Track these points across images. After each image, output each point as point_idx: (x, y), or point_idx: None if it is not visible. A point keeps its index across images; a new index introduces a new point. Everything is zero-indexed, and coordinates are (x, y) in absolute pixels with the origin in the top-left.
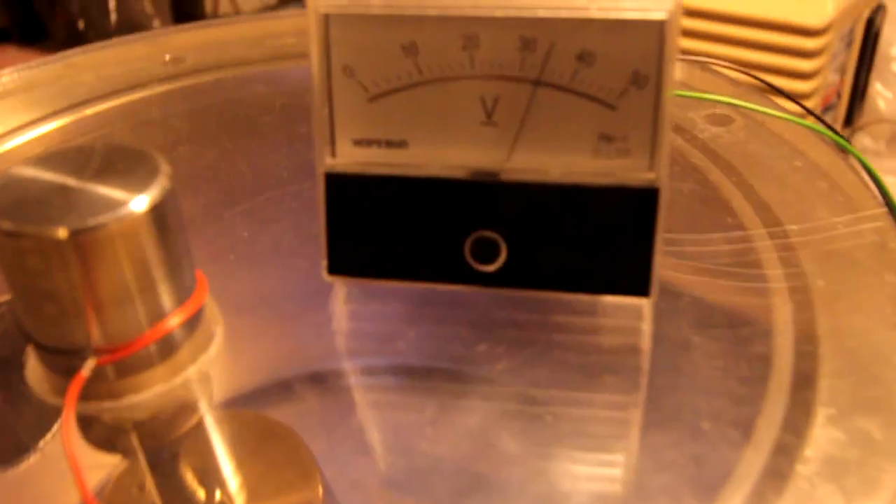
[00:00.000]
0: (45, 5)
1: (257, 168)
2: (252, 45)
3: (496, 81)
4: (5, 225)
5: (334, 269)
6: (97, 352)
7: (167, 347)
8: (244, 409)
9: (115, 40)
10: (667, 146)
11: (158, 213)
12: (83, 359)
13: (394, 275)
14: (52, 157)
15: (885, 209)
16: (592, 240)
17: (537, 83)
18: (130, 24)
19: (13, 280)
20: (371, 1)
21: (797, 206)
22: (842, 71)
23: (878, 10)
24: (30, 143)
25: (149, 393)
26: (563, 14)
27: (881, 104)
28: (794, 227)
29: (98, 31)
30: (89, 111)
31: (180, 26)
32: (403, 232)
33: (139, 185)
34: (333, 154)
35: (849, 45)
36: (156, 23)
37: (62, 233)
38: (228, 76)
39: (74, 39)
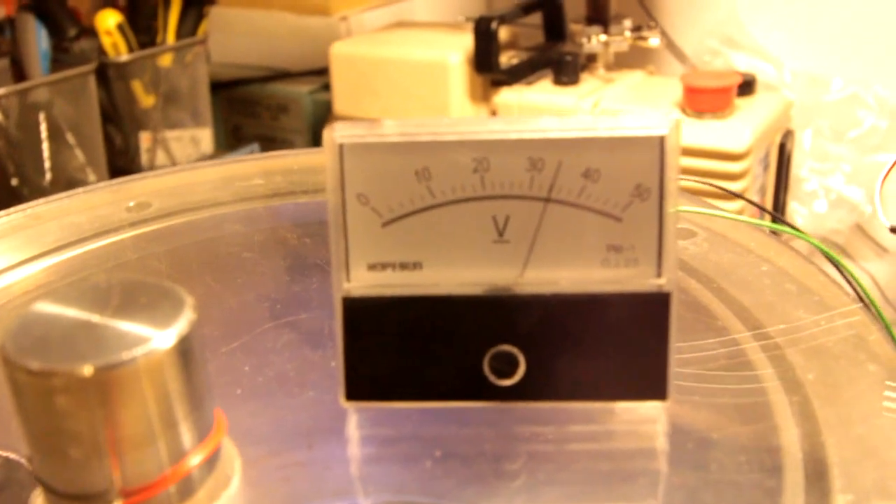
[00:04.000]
0: None
1: (247, 303)
2: (219, 187)
3: (507, 201)
4: (32, 364)
5: (352, 394)
6: (122, 494)
7: (187, 488)
8: None
9: (78, 190)
10: (673, 253)
11: (185, 346)
12: (108, 502)
13: (413, 397)
14: (71, 293)
15: (857, 305)
16: (608, 348)
17: (547, 200)
18: (65, 181)
19: (34, 423)
20: (386, 130)
21: (774, 309)
22: (762, 192)
23: (788, 135)
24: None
25: None
26: (569, 134)
27: (798, 220)
28: (775, 328)
29: (32, 188)
30: (59, 258)
31: (144, 174)
32: (421, 352)
33: (165, 319)
34: (348, 279)
35: (766, 167)
36: (91, 178)
37: (91, 370)
38: (200, 218)
39: (8, 196)
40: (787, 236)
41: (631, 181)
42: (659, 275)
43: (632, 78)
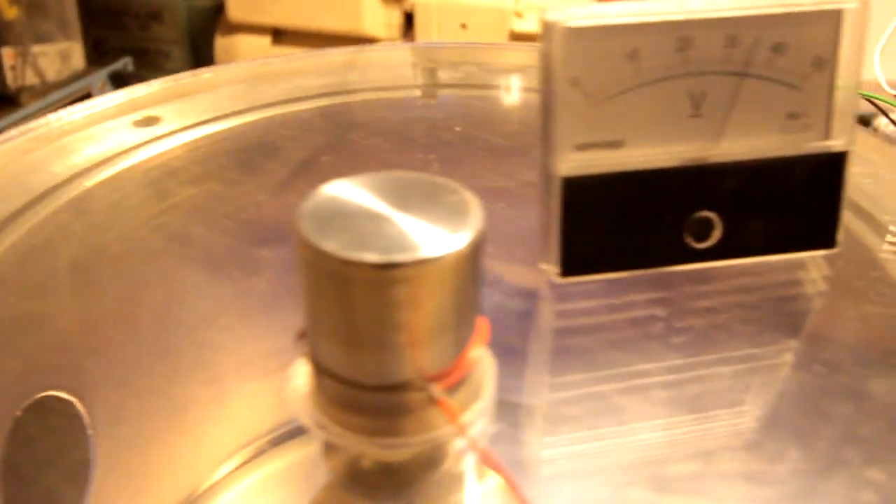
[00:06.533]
0: None
1: None
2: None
3: (704, 77)
4: (370, 257)
5: (568, 271)
6: (428, 380)
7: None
8: None
9: (77, 107)
10: (847, 117)
11: (480, 242)
12: (416, 390)
13: (622, 267)
14: (349, 186)
15: None
16: (789, 205)
17: (741, 75)
18: None
19: (349, 318)
20: (603, 12)
21: None
22: None
23: None
24: None
25: (442, 430)
26: (766, 11)
27: None
28: None
29: None
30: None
31: (138, 87)
32: (628, 224)
33: (458, 215)
34: (558, 160)
35: None
36: None
37: (425, 261)
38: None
39: None
40: None
41: (811, 53)
42: (829, 136)
43: None
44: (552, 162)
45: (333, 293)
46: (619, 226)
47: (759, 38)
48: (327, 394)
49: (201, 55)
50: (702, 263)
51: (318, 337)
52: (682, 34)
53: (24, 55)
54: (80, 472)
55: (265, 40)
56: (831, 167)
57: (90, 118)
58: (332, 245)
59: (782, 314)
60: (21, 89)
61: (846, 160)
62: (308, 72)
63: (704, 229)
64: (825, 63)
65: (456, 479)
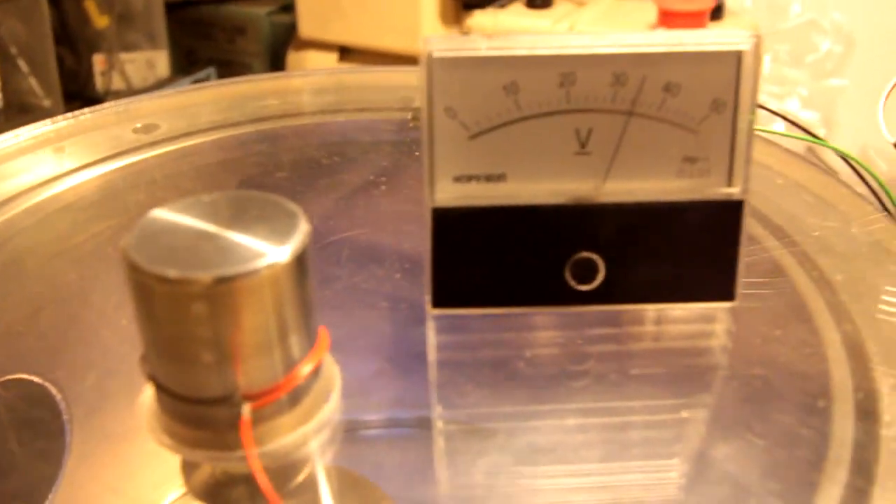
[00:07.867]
0: None
1: None
2: (230, 107)
3: (590, 114)
4: (169, 272)
5: (439, 302)
6: (244, 398)
7: (296, 397)
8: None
9: (83, 111)
10: (746, 163)
11: (303, 257)
12: (233, 406)
13: (498, 303)
14: (181, 205)
15: (880, 214)
16: (682, 253)
17: (629, 114)
18: (19, 106)
19: (162, 331)
20: (477, 44)
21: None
22: None
23: None
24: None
25: (278, 442)
26: (654, 49)
27: None
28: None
29: None
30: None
31: (145, 95)
32: (505, 260)
33: (283, 231)
34: (434, 191)
35: None
36: (46, 103)
37: (226, 278)
38: (220, 137)
39: None
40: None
41: (709, 95)
42: (730, 183)
43: (602, 1)
44: (428, 192)
45: (147, 307)
46: (495, 261)
47: (649, 78)
48: (165, 408)
49: (279, 68)
50: (583, 306)
51: (149, 351)
52: (565, 70)
53: (112, 62)
54: (53, 456)
55: (332, 56)
56: (729, 215)
57: (93, 121)
58: (142, 259)
59: (664, 366)
60: (108, 93)
61: (744, 208)
62: (304, 90)
63: (587, 271)
64: (724, 106)
65: (312, 488)
